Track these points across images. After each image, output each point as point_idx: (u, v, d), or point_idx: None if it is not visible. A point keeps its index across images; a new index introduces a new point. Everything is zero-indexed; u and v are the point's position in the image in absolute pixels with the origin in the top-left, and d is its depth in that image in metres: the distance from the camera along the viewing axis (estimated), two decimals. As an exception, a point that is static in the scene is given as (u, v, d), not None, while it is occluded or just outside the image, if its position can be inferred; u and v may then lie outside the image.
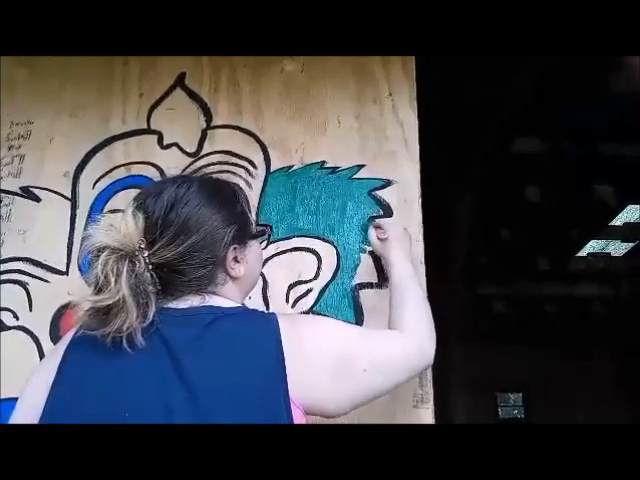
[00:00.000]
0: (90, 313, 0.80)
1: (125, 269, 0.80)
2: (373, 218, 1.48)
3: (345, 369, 0.85)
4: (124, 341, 0.79)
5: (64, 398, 0.81)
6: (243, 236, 0.93)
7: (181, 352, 0.80)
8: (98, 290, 0.80)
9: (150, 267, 0.83)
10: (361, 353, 0.88)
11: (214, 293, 0.89)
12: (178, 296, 0.87)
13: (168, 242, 0.84)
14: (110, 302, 0.78)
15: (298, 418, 0.80)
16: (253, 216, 1.00)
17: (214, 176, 1.02)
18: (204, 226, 0.87)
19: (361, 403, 0.89)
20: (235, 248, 0.91)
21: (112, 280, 0.79)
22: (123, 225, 0.83)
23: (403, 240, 1.25)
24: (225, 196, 0.94)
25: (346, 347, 0.88)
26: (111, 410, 0.78)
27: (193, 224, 0.86)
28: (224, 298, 0.90)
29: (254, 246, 0.97)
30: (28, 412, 0.84)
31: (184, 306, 0.86)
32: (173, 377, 0.78)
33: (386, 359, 0.92)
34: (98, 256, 0.81)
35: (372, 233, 1.30)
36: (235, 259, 0.92)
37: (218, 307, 0.86)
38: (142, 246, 0.83)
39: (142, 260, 0.82)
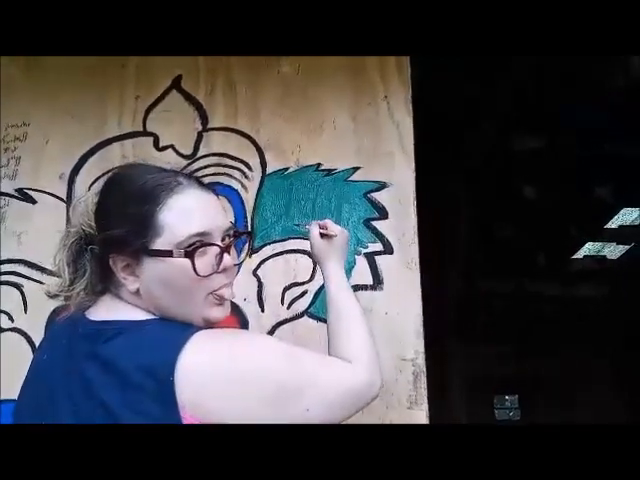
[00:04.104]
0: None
1: (68, 244, 0.88)
2: (368, 221, 1.49)
3: (288, 400, 0.79)
4: (72, 305, 0.86)
5: (24, 394, 0.87)
6: (132, 245, 0.81)
7: (84, 366, 0.79)
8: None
9: None
10: (311, 385, 0.82)
11: (128, 302, 0.85)
12: (105, 293, 0.88)
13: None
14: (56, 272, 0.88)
15: None
16: (191, 231, 0.82)
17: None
18: (99, 224, 0.87)
19: None
20: (124, 258, 0.82)
21: (56, 252, 0.89)
22: (81, 206, 0.91)
23: (345, 250, 1.11)
24: (134, 192, 0.82)
25: (292, 376, 0.81)
26: (31, 411, 0.83)
27: (97, 219, 0.88)
28: (140, 310, 0.84)
29: (157, 266, 0.81)
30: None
31: (95, 318, 0.84)
32: (77, 388, 0.78)
33: (338, 396, 0.85)
34: None
35: (315, 231, 1.09)
36: (132, 272, 0.83)
37: (124, 321, 0.82)
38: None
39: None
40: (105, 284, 0.87)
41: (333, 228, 1.09)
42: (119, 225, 0.80)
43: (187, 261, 0.80)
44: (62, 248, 0.89)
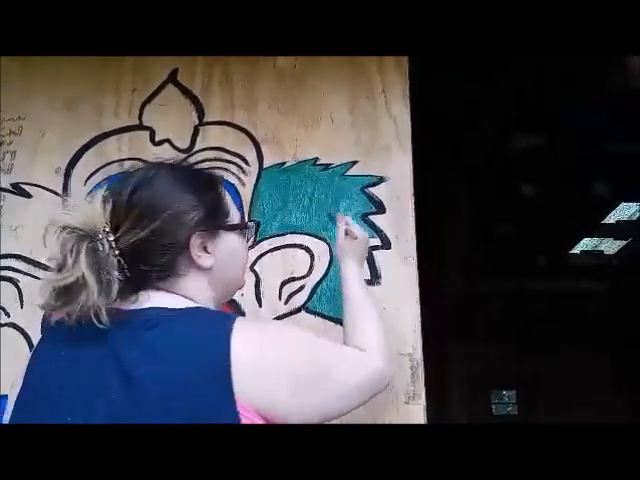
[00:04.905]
0: (55, 293, 0.78)
1: (84, 248, 0.78)
2: (366, 215, 1.48)
3: (311, 387, 0.82)
4: (94, 319, 0.77)
5: (26, 393, 0.82)
6: (213, 224, 0.88)
7: (123, 354, 0.77)
8: (58, 269, 0.79)
9: (117, 252, 0.81)
10: (331, 373, 0.85)
11: (174, 291, 0.86)
12: (138, 292, 0.84)
13: (131, 226, 0.81)
14: (70, 280, 0.77)
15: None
16: (238, 212, 0.96)
17: (197, 165, 1.01)
18: (168, 210, 0.83)
19: (321, 422, 0.84)
20: (203, 235, 0.86)
21: (70, 258, 0.78)
22: (87, 206, 0.82)
23: (365, 252, 1.21)
24: (197, 182, 0.90)
25: (315, 364, 0.84)
26: (58, 409, 0.78)
27: (156, 207, 0.83)
28: (183, 297, 0.85)
29: (229, 240, 0.91)
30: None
31: (133, 307, 0.82)
32: (114, 380, 0.75)
33: (355, 382, 0.89)
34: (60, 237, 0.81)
35: (342, 228, 1.20)
36: (205, 248, 0.88)
37: (163, 308, 0.82)
38: (107, 229, 0.81)
39: (106, 243, 0.80)
40: (144, 280, 0.84)
41: (356, 231, 1.18)
42: (198, 208, 0.86)
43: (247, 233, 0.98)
44: (74, 253, 0.79)
